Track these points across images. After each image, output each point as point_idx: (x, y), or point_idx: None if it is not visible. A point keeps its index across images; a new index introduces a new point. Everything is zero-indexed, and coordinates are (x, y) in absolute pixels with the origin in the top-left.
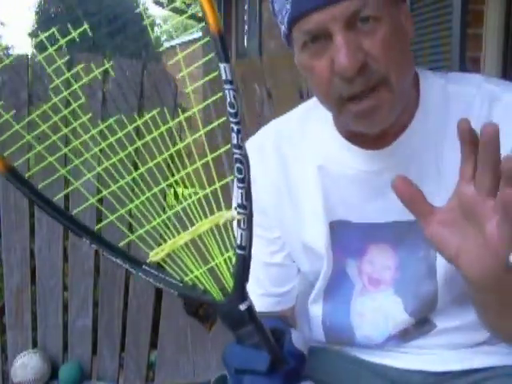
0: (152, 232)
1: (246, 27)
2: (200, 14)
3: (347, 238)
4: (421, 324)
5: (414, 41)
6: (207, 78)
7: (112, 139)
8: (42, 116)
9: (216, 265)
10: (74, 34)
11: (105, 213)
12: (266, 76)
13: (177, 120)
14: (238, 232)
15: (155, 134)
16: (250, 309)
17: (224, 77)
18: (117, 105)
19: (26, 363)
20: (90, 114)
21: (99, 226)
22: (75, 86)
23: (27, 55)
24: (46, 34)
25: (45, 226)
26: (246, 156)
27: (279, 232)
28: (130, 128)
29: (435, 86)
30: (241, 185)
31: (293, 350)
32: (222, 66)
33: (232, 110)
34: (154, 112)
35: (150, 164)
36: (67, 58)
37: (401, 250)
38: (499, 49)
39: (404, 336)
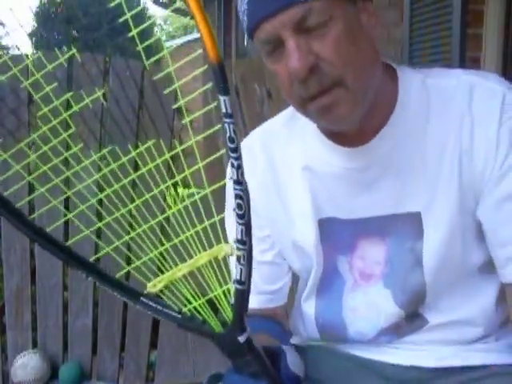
0: (149, 264)
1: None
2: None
3: (336, 235)
4: (412, 319)
5: (414, 41)
6: (206, 109)
7: (106, 169)
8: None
9: (215, 296)
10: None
11: (101, 244)
12: (266, 76)
13: (174, 151)
14: (237, 267)
15: (151, 165)
16: (249, 340)
17: (224, 110)
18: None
19: (25, 363)
20: (82, 145)
21: (95, 257)
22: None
23: (27, 55)
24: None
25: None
26: (246, 191)
27: (269, 231)
28: (124, 159)
29: (414, 80)
30: (241, 221)
31: (289, 374)
32: (222, 98)
33: (232, 145)
34: (150, 143)
35: (147, 196)
36: (67, 57)
37: (389, 243)
38: (499, 49)
39: (397, 331)
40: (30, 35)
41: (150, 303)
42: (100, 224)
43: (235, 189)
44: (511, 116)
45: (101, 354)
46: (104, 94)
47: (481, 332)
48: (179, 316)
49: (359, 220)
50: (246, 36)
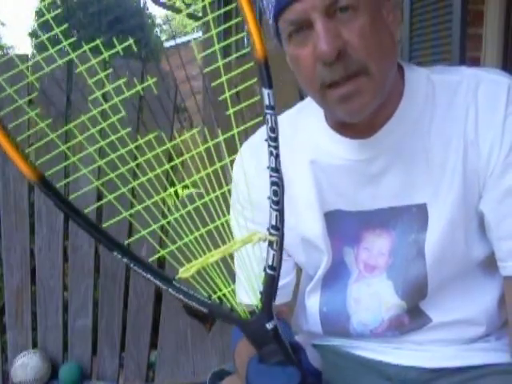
0: (183, 248)
1: (246, 27)
2: (200, 14)
3: (343, 227)
4: (415, 316)
5: (414, 41)
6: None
7: (146, 156)
8: (79, 126)
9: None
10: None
11: (136, 226)
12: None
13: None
14: (269, 252)
15: (187, 156)
16: (276, 328)
17: (267, 102)
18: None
19: (25, 363)
20: (129, 129)
21: (129, 240)
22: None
23: (27, 55)
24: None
25: (45, 226)
26: (281, 179)
27: None
28: (158, 149)
29: (420, 76)
30: (275, 207)
31: (310, 367)
32: (265, 91)
33: (272, 135)
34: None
35: (187, 181)
36: (68, 58)
37: (394, 235)
38: (499, 49)
39: (399, 328)
40: (30, 35)
41: (182, 287)
42: (138, 207)
43: (272, 176)
44: None
45: (101, 353)
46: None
47: (483, 331)
48: (208, 302)
49: (365, 212)
50: (270, 19)
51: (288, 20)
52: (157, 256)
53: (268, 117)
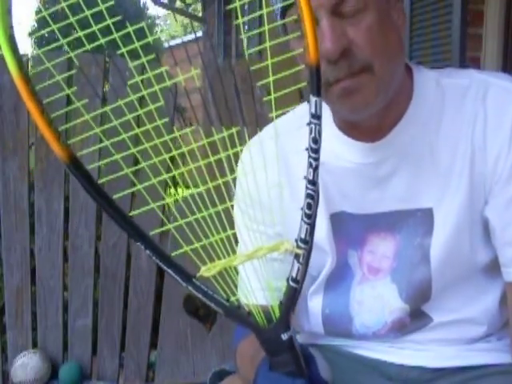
0: (208, 247)
1: (246, 27)
2: (200, 14)
3: (347, 230)
4: (417, 317)
5: (414, 41)
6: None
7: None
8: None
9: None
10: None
11: (164, 220)
12: (266, 76)
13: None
14: (294, 265)
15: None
16: (291, 339)
17: (313, 110)
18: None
19: (25, 363)
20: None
21: (154, 231)
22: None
23: (27, 55)
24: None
25: (45, 226)
26: (317, 192)
27: (280, 227)
28: (194, 145)
29: (429, 78)
30: (307, 220)
31: (320, 379)
32: (313, 99)
33: (314, 146)
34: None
35: (220, 181)
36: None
37: (399, 239)
38: (499, 49)
39: (401, 329)
40: (30, 35)
41: (202, 286)
42: (168, 200)
43: (308, 188)
44: None
45: (101, 353)
46: (104, 94)
47: (484, 331)
48: (227, 304)
49: (370, 215)
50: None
51: (295, 19)
52: (180, 251)
53: (312, 126)
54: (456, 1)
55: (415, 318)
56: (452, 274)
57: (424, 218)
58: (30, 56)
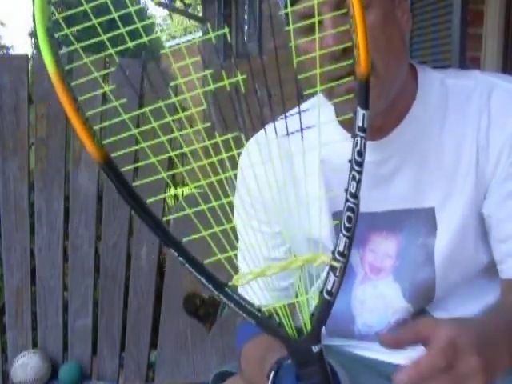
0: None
1: (246, 27)
2: (200, 14)
3: None
4: (420, 317)
5: (414, 41)
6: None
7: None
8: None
9: (297, 302)
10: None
11: (198, 227)
12: (267, 76)
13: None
14: (329, 277)
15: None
16: (321, 351)
17: (360, 124)
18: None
19: (25, 363)
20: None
21: (187, 238)
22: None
23: (27, 55)
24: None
25: (45, 226)
26: (358, 206)
27: (279, 227)
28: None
29: (434, 79)
30: (347, 233)
31: None
32: (360, 111)
33: (359, 159)
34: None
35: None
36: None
37: (401, 238)
38: (499, 49)
39: None
40: (30, 35)
41: (234, 295)
42: (203, 206)
43: (349, 201)
44: None
45: (101, 353)
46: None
47: None
48: (258, 314)
49: (372, 214)
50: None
51: (299, 13)
52: (213, 259)
53: (358, 139)
54: (456, 1)
55: (418, 317)
56: (456, 273)
57: (426, 218)
58: (30, 56)
